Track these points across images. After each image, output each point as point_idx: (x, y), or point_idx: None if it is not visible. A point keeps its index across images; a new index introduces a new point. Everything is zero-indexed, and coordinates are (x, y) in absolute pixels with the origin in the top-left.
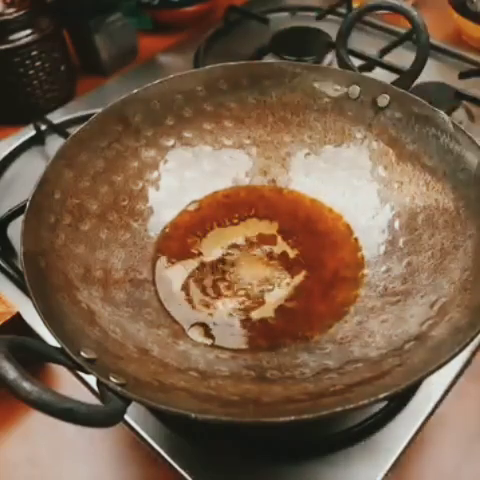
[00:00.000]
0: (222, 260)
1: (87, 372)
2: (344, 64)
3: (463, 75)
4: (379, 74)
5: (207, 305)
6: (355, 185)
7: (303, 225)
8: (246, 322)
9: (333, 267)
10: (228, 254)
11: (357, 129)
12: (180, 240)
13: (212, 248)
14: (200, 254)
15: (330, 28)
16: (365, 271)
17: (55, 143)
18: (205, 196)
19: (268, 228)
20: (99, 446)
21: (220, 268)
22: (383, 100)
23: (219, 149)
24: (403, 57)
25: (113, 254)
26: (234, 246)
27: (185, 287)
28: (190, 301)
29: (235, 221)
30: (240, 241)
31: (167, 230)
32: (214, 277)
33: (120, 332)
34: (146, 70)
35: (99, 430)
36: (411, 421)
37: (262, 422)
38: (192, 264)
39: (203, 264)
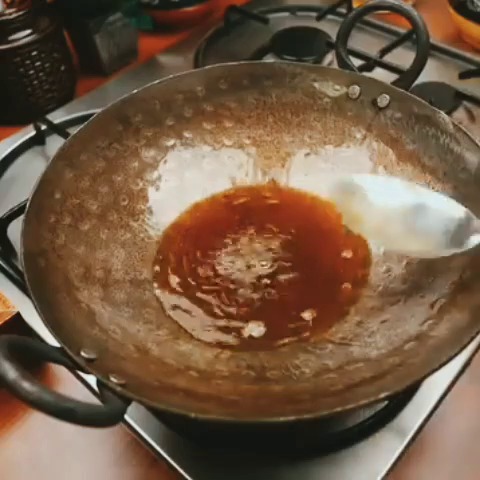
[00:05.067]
0: (221, 261)
1: (87, 372)
2: (344, 64)
3: (463, 75)
4: (379, 74)
5: (206, 304)
6: None
7: (303, 225)
8: (246, 321)
9: (333, 267)
10: (227, 255)
11: (357, 129)
12: (180, 240)
13: (211, 248)
14: (200, 255)
15: (330, 28)
16: (365, 271)
17: (55, 143)
18: (205, 196)
19: (267, 228)
20: (99, 446)
21: (219, 269)
22: (383, 100)
23: (219, 149)
24: (403, 57)
25: (113, 254)
26: (233, 247)
27: (185, 287)
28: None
29: (234, 221)
30: (239, 241)
31: (167, 230)
32: (213, 277)
33: (120, 332)
34: (146, 70)
35: (99, 430)
36: (411, 421)
37: (262, 422)
38: (191, 264)
39: (203, 265)
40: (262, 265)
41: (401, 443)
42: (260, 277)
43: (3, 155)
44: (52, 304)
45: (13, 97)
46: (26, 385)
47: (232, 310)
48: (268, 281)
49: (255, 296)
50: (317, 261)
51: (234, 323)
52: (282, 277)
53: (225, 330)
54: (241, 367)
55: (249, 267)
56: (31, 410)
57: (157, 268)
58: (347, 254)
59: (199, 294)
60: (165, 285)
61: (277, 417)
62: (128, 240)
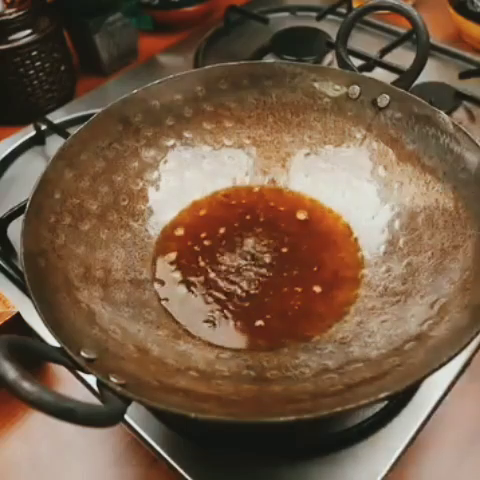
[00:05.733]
0: (220, 259)
1: (87, 372)
2: (344, 64)
3: (463, 75)
4: (379, 74)
5: (206, 304)
6: (355, 185)
7: (303, 225)
8: (247, 322)
9: (333, 267)
10: (228, 254)
11: (357, 129)
12: (180, 240)
13: (211, 248)
14: (200, 254)
15: (330, 28)
16: (365, 271)
17: (55, 143)
18: (205, 196)
19: (266, 228)
20: (99, 446)
21: (218, 267)
22: (383, 100)
23: (219, 149)
24: (403, 57)
25: (113, 254)
26: (234, 246)
27: (185, 287)
28: (190, 301)
29: (235, 221)
30: (238, 240)
31: (167, 230)
32: (215, 278)
33: (120, 332)
34: (146, 70)
35: (99, 430)
36: (411, 421)
37: (262, 422)
38: (192, 265)
39: (204, 265)
40: (260, 264)
41: (401, 443)
42: (258, 275)
43: (3, 155)
44: (52, 304)
45: (13, 97)
46: (26, 385)
47: (232, 307)
48: (265, 279)
49: (254, 296)
50: (315, 260)
51: (234, 320)
52: (279, 276)
53: (225, 328)
54: (241, 367)
55: (247, 265)
56: (31, 410)
57: (156, 266)
58: (344, 254)
59: (199, 292)
60: (165, 284)
61: (277, 417)
62: (128, 240)
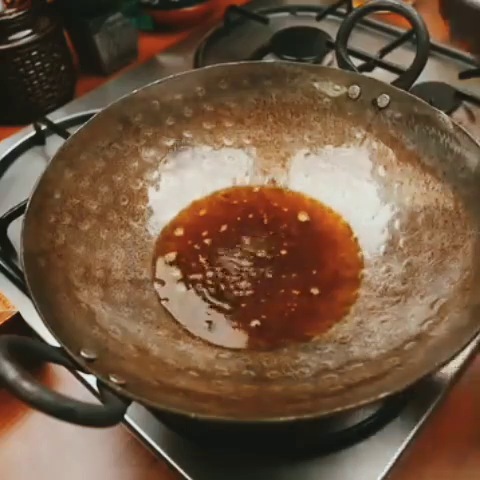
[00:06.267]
0: (220, 259)
1: (87, 372)
2: (344, 64)
3: (463, 75)
4: (379, 74)
5: (206, 304)
6: (355, 185)
7: (303, 225)
8: (246, 322)
9: (333, 267)
10: (228, 254)
11: (357, 129)
12: (180, 240)
13: (211, 248)
14: (200, 254)
15: (330, 28)
16: (365, 271)
17: (55, 143)
18: (205, 196)
19: (266, 228)
20: (99, 446)
21: (219, 269)
22: (383, 100)
23: (219, 149)
24: (403, 57)
25: (113, 254)
26: (234, 247)
27: (185, 287)
28: (190, 301)
29: (235, 221)
30: (238, 240)
31: (167, 230)
32: (214, 277)
33: (120, 332)
34: (146, 70)
35: (99, 430)
36: (411, 421)
37: (262, 422)
38: (192, 264)
39: (203, 264)
40: (260, 265)
41: (401, 443)
42: (257, 276)
43: (3, 155)
44: (52, 304)
45: (13, 97)
46: (26, 385)
47: (231, 307)
48: (264, 280)
49: (254, 295)
50: (315, 261)
51: (233, 320)
52: (278, 277)
53: (224, 328)
54: (241, 367)
55: (247, 265)
56: (31, 410)
57: (156, 266)
58: (344, 254)
59: (199, 292)
60: (165, 284)
61: (277, 417)
62: (128, 240)
